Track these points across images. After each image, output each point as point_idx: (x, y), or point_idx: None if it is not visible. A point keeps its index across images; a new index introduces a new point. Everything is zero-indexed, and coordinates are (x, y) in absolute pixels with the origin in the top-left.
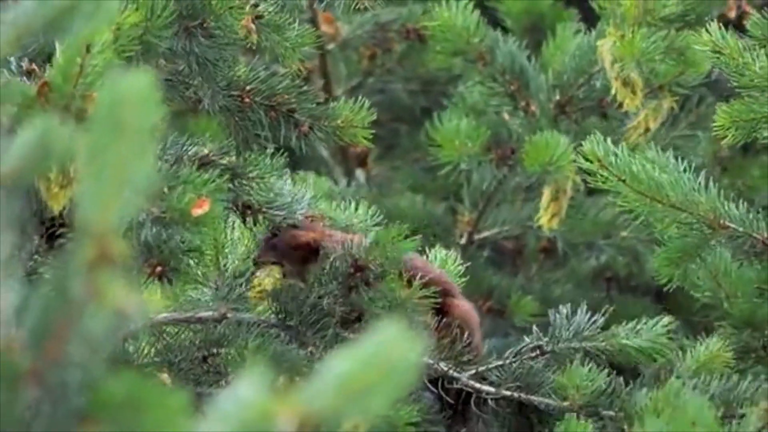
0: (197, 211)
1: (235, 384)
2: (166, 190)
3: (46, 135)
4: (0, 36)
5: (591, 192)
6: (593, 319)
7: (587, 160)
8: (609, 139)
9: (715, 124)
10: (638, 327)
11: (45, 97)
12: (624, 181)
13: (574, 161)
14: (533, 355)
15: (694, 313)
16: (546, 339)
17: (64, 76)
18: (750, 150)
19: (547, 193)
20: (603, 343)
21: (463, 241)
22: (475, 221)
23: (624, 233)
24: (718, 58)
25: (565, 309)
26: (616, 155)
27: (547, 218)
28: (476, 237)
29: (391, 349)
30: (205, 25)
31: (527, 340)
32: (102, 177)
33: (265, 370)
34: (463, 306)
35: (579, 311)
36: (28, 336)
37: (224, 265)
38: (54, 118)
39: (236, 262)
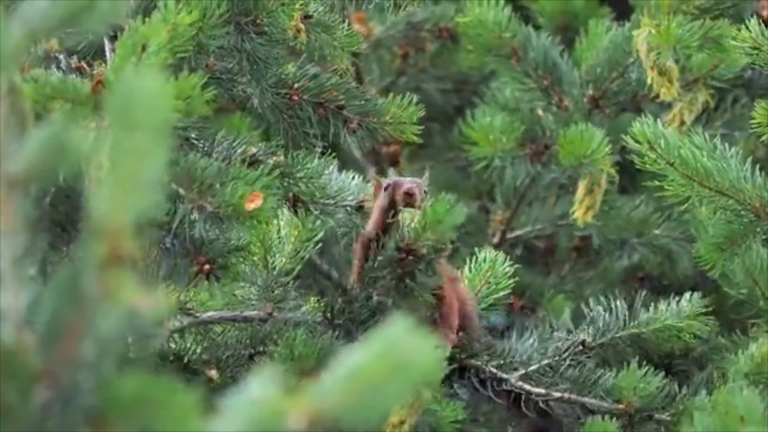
0: (251, 206)
1: (248, 382)
2: (217, 185)
3: (59, 135)
4: (13, 33)
5: (624, 190)
6: (631, 307)
7: (636, 141)
8: (659, 121)
9: (753, 122)
10: (673, 306)
11: (99, 95)
12: (672, 164)
13: (619, 150)
14: (578, 350)
15: (727, 312)
16: (589, 332)
17: (117, 74)
18: None
19: (582, 186)
20: (645, 329)
21: (495, 240)
22: (507, 220)
23: (657, 231)
24: (756, 54)
25: (601, 300)
26: (665, 138)
27: (581, 211)
28: (509, 236)
29: (401, 346)
30: (257, 21)
31: (566, 335)
32: (115, 176)
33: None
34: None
35: (613, 302)
36: (41, 336)
37: (272, 264)
38: (67, 118)
39: (284, 260)
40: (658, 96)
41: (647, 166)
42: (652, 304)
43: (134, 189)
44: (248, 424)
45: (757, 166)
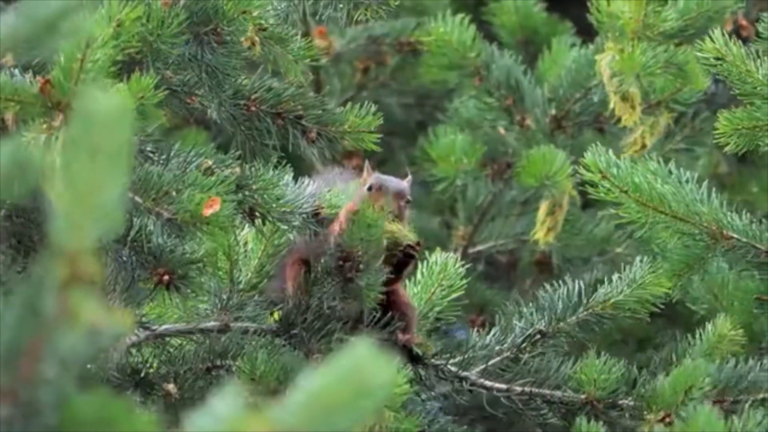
0: (208, 211)
1: (211, 400)
2: (174, 192)
3: (19, 153)
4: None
5: (586, 207)
6: (579, 291)
7: (589, 171)
8: (611, 151)
9: (716, 132)
10: (622, 280)
11: (47, 94)
12: (626, 192)
13: (575, 173)
14: (535, 340)
15: (692, 327)
16: (543, 321)
17: (64, 73)
18: (748, 165)
19: (543, 207)
20: (600, 308)
21: (457, 254)
22: (469, 235)
23: (619, 249)
24: (721, 65)
25: (549, 288)
26: (618, 166)
27: (543, 233)
28: (470, 251)
29: (362, 369)
30: (218, 30)
31: (521, 326)
32: (75, 198)
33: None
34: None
35: (563, 288)
36: (1, 354)
37: (237, 278)
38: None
39: (249, 274)
40: (620, 121)
41: (601, 195)
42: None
43: (94, 211)
44: None
45: (713, 189)
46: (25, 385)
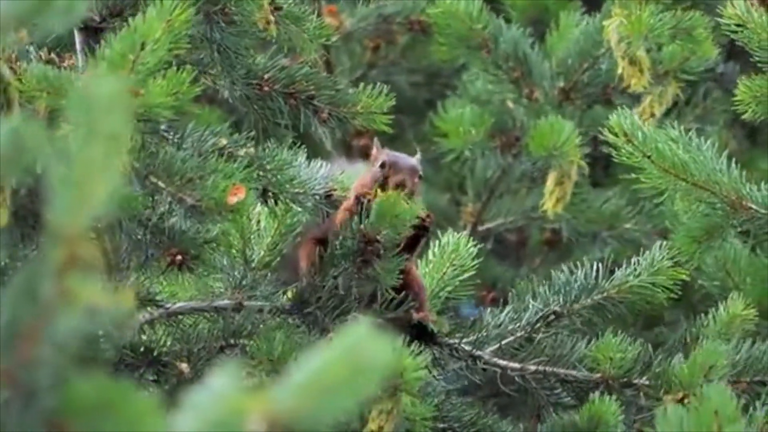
0: (233, 199)
1: (209, 380)
2: (197, 179)
3: (18, 134)
4: None
5: (596, 183)
6: (596, 272)
7: (613, 133)
8: (636, 115)
9: (735, 99)
10: (637, 265)
11: None
12: (649, 157)
13: (583, 144)
14: (551, 320)
15: (694, 305)
16: (558, 302)
17: (114, 72)
18: (758, 144)
19: (551, 177)
20: (614, 292)
21: (466, 231)
22: (478, 212)
23: (628, 225)
24: (741, 31)
25: (565, 268)
26: (642, 130)
27: (551, 203)
28: (480, 228)
29: (360, 349)
30: (226, 10)
31: (535, 305)
32: (73, 181)
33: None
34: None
35: (580, 270)
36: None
37: (251, 257)
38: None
39: (262, 253)
40: (628, 88)
41: (624, 158)
42: (624, 262)
43: (92, 195)
44: (207, 423)
45: (732, 159)
46: (23, 368)
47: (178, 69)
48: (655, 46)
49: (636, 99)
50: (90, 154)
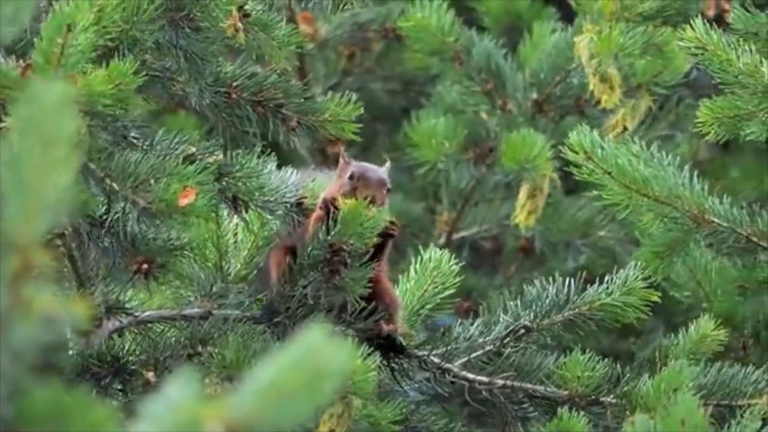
0: (183, 201)
1: (166, 387)
2: (152, 181)
3: None
4: None
5: (569, 191)
6: (567, 287)
7: (573, 151)
8: (595, 132)
9: (697, 120)
10: (610, 283)
11: (29, 78)
12: (610, 173)
13: (556, 157)
14: (520, 335)
15: (674, 315)
16: (528, 316)
17: (45, 57)
18: (727, 151)
19: (523, 190)
20: (585, 309)
21: (441, 240)
22: (453, 221)
23: (602, 233)
24: (701, 54)
25: (537, 283)
26: (602, 148)
27: (523, 216)
28: (454, 237)
29: (316, 356)
30: (191, 16)
31: (506, 319)
32: (24, 189)
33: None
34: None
35: (552, 285)
36: None
37: (227, 270)
38: None
39: (239, 266)
40: (599, 103)
41: (585, 176)
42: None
43: (43, 202)
44: (166, 429)
45: (695, 173)
46: None
47: (119, 59)
48: (627, 63)
49: (608, 111)
50: (39, 159)
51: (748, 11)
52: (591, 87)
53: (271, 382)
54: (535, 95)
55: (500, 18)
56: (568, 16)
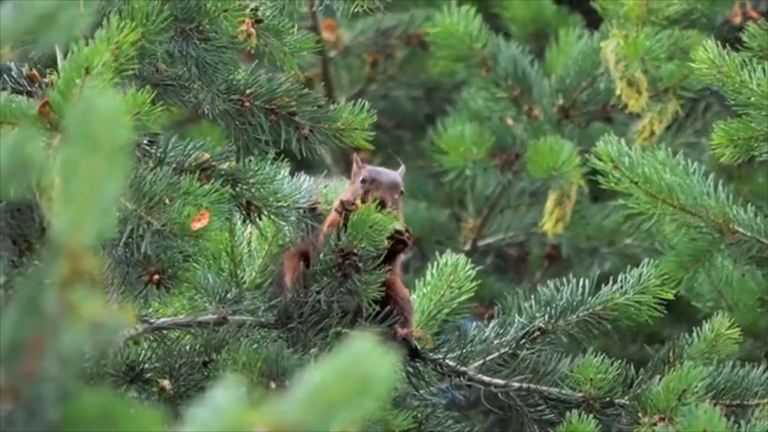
0: (197, 225)
1: (213, 393)
2: (166, 201)
3: (20, 148)
4: None
5: (595, 199)
6: (581, 288)
7: (600, 159)
8: (623, 140)
9: (712, 143)
10: (624, 283)
11: (46, 116)
12: (636, 183)
13: (584, 164)
14: (534, 336)
15: (697, 323)
16: (543, 318)
17: (63, 96)
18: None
19: (551, 198)
20: (600, 308)
21: (467, 247)
22: (479, 228)
23: (628, 241)
24: (716, 75)
25: (551, 284)
26: (629, 156)
27: (551, 223)
28: (480, 243)
29: (363, 363)
30: (200, 27)
31: (521, 321)
32: (75, 195)
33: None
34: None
35: (566, 286)
36: (3, 351)
37: (242, 278)
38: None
39: (254, 275)
40: (627, 107)
41: (612, 184)
42: (610, 279)
43: (94, 209)
44: None
45: (720, 182)
46: (26, 382)
47: (138, 89)
48: (653, 67)
49: (635, 116)
50: (92, 168)
51: (762, 28)
52: (618, 91)
53: (318, 389)
54: (561, 101)
55: (526, 24)
56: (594, 23)
